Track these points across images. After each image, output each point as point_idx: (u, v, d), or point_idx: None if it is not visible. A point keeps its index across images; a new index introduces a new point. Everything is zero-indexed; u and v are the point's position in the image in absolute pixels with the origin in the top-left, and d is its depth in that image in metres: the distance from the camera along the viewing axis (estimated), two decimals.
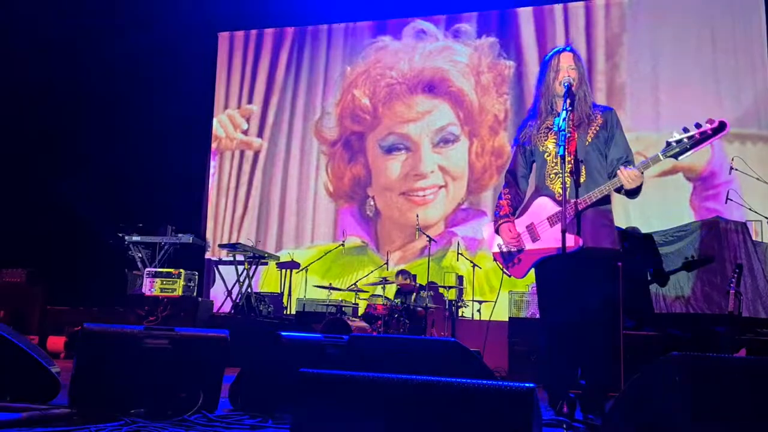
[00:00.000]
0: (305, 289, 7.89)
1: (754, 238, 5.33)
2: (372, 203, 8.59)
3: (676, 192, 7.23)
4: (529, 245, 3.00)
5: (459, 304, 6.79)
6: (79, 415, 2.47)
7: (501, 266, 3.14)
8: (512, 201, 3.12)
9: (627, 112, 7.55)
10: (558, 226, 2.77)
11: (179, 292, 6.36)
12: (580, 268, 2.78)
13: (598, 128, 2.97)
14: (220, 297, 7.21)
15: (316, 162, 8.94)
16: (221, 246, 7.54)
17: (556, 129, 2.79)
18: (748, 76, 7.29)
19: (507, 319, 5.82)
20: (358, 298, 7.09)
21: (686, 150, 2.72)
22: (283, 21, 9.28)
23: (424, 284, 6.67)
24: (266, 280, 8.43)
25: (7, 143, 8.04)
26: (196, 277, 6.67)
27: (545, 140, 3.00)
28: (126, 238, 7.19)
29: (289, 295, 7.69)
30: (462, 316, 6.88)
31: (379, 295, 6.81)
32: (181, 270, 6.47)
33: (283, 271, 7.80)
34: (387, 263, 7.60)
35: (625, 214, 6.73)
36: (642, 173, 2.77)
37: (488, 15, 8.52)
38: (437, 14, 8.71)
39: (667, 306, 4.62)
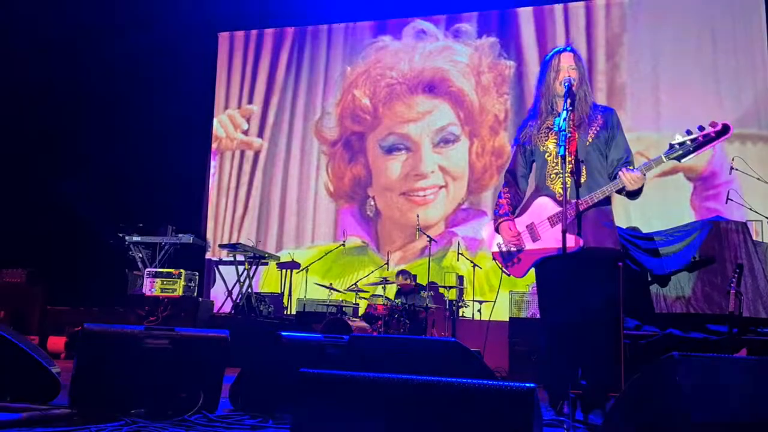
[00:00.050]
0: (305, 290, 7.90)
1: (754, 238, 5.31)
2: (372, 203, 8.58)
3: (676, 192, 7.23)
4: (529, 245, 3.01)
5: (459, 304, 6.79)
6: (79, 415, 2.47)
7: (500, 265, 3.15)
8: (512, 200, 3.13)
9: (627, 112, 7.55)
10: (558, 227, 2.77)
11: (179, 292, 6.37)
12: (581, 268, 2.78)
13: (598, 128, 2.97)
14: (220, 297, 7.21)
15: (316, 162, 8.94)
16: (221, 246, 7.54)
17: (556, 129, 2.79)
18: (748, 76, 7.29)
19: (507, 319, 5.83)
20: (359, 298, 7.09)
21: (689, 152, 2.71)
22: (283, 21, 9.28)
23: (424, 284, 6.67)
24: (266, 281, 8.43)
25: (7, 143, 8.04)
26: (197, 277, 6.68)
27: (546, 140, 3.00)
28: (126, 238, 7.20)
29: (290, 295, 7.69)
30: (462, 316, 6.88)
31: (380, 295, 6.81)
32: (182, 270, 6.48)
33: (284, 271, 7.80)
34: (387, 263, 7.61)
35: (625, 214, 6.73)
36: (644, 175, 2.77)
37: (488, 15, 8.52)
38: (437, 14, 8.70)
39: (668, 306, 4.62)
